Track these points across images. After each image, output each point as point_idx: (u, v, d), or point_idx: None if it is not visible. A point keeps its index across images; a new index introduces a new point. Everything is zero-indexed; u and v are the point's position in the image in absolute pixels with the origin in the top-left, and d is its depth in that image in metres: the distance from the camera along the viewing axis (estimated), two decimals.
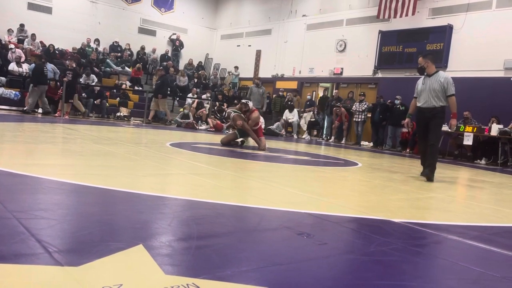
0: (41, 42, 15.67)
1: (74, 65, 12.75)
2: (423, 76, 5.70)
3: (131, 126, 11.53)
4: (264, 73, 18.27)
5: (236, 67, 18.88)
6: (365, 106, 13.52)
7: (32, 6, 16.26)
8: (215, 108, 14.96)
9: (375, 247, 2.14)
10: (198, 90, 17.23)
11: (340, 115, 14.05)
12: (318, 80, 16.43)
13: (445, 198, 4.24)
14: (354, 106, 13.75)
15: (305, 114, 15.62)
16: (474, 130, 10.42)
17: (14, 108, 12.43)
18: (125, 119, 14.12)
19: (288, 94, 16.06)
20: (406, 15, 12.89)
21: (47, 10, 16.60)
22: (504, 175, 7.93)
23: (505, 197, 4.95)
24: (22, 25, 15.56)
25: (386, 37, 13.81)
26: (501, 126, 10.11)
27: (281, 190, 3.65)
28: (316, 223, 2.59)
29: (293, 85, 16.87)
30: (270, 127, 15.08)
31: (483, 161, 10.45)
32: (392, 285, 1.65)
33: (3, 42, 14.37)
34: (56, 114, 12.15)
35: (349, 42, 15.06)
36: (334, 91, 15.57)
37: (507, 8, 11.33)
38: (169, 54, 19.14)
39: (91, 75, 14.30)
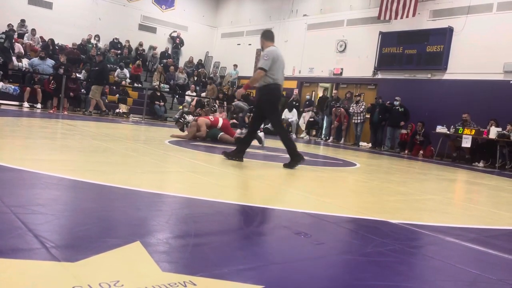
0: (41, 37, 15.64)
1: (66, 60, 12.61)
2: None
3: (130, 123, 11.52)
4: None
5: (235, 65, 18.80)
6: (363, 107, 13.53)
7: (32, 1, 16.23)
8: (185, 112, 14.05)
9: (372, 247, 2.15)
10: (197, 88, 17.22)
11: (339, 116, 14.06)
12: (317, 80, 16.43)
13: (442, 200, 4.24)
14: (351, 108, 13.75)
15: (304, 114, 15.63)
16: (473, 133, 10.43)
17: (13, 103, 12.40)
18: (124, 115, 14.11)
19: (294, 94, 16.06)
20: (407, 16, 12.90)
21: (48, 5, 16.56)
22: (502, 178, 7.94)
23: (502, 200, 4.96)
24: (23, 21, 15.54)
25: (386, 38, 13.82)
26: (499, 129, 10.12)
27: (279, 189, 3.66)
28: (314, 223, 2.60)
29: (293, 84, 16.87)
30: (267, 126, 15.08)
31: (481, 164, 10.47)
32: (388, 286, 1.65)
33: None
34: (51, 111, 11.97)
35: (349, 43, 15.06)
36: (333, 92, 15.58)
37: (507, 11, 11.34)
38: (169, 52, 19.12)
39: None
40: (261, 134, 8.71)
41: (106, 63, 13.50)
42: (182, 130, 8.55)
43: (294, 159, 5.13)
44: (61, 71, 12.05)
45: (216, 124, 8.04)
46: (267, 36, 5.33)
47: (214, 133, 7.99)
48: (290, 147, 5.16)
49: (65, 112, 12.00)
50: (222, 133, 8.00)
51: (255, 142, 8.44)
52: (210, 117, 8.42)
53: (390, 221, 2.80)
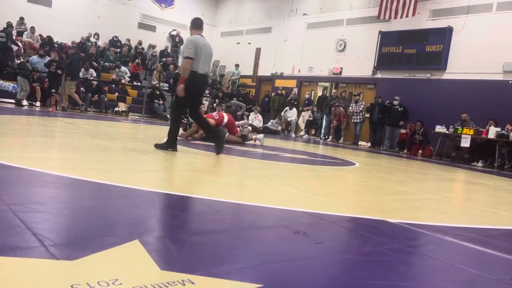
0: (40, 35, 15.61)
1: (57, 57, 12.47)
2: None
3: (129, 122, 11.51)
4: (264, 71, 18.26)
5: (237, 65, 18.76)
6: (362, 106, 13.54)
7: None
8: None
9: (371, 247, 2.15)
10: None
11: (338, 115, 14.07)
12: (317, 79, 16.43)
13: (441, 200, 4.25)
14: (351, 107, 13.77)
15: (303, 113, 15.65)
16: (472, 132, 10.44)
17: (12, 100, 12.38)
18: (123, 114, 14.10)
19: (292, 93, 16.08)
20: (407, 16, 12.90)
21: (47, 3, 16.53)
22: (501, 177, 7.95)
23: (501, 200, 4.96)
24: (22, 18, 15.51)
25: (386, 38, 13.82)
26: (498, 129, 10.13)
27: (278, 188, 3.65)
28: (313, 222, 2.60)
29: (292, 83, 16.88)
30: (266, 125, 15.11)
31: (480, 164, 10.48)
32: (387, 285, 1.65)
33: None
34: (50, 109, 11.90)
35: (349, 42, 15.06)
36: (332, 91, 15.58)
37: (507, 11, 11.35)
38: (169, 50, 19.09)
39: (90, 69, 14.25)
40: (260, 135, 8.69)
41: (77, 57, 12.90)
42: (185, 130, 8.54)
43: (169, 144, 5.30)
44: (53, 68, 11.92)
45: (221, 122, 7.86)
46: (194, 24, 5.47)
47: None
48: (173, 133, 5.36)
49: (59, 108, 11.89)
50: (228, 134, 7.90)
51: (256, 142, 8.44)
52: (214, 114, 8.13)
53: (389, 221, 2.80)
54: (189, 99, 5.28)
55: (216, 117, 7.92)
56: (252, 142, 8.42)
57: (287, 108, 15.58)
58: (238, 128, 8.47)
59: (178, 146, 6.31)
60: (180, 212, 2.48)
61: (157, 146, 5.37)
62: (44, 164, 3.42)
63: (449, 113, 11.60)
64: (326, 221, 2.65)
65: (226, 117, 7.98)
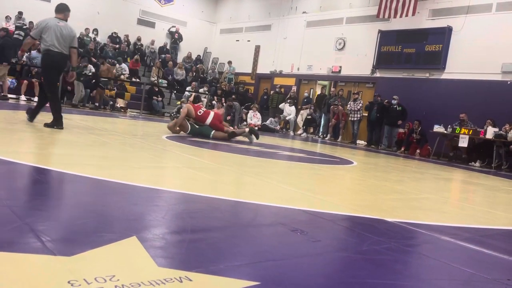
0: None
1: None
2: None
3: (127, 118, 11.49)
4: (263, 69, 18.24)
5: (230, 62, 18.67)
6: (360, 105, 13.54)
7: None
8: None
9: (368, 245, 2.15)
10: (196, 84, 17.22)
11: (337, 114, 14.07)
12: (316, 78, 16.43)
13: (439, 199, 4.26)
14: (349, 106, 13.79)
15: (302, 111, 15.66)
16: (470, 132, 10.46)
17: (10, 96, 12.33)
18: (122, 110, 14.07)
19: (291, 92, 16.06)
20: (406, 15, 12.90)
21: None
22: (498, 178, 7.97)
23: (498, 200, 4.98)
24: (20, 13, 15.44)
25: (385, 37, 13.81)
26: (496, 129, 10.15)
27: (276, 186, 3.66)
28: (310, 220, 2.60)
29: (291, 81, 16.87)
30: (264, 123, 15.10)
31: (477, 164, 10.50)
32: (384, 284, 1.66)
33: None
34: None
35: (348, 41, 15.06)
36: (331, 89, 15.57)
37: (506, 12, 11.36)
38: (168, 47, 19.05)
39: (89, 65, 14.21)
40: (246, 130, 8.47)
41: (9, 38, 12.02)
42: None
43: (55, 122, 5.74)
44: None
45: (203, 120, 7.68)
46: (55, 8, 6.07)
47: (204, 131, 7.71)
48: (56, 110, 5.81)
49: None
50: (214, 131, 7.71)
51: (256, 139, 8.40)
52: (201, 109, 7.80)
53: (386, 220, 2.81)
54: (52, 74, 5.96)
55: (200, 114, 7.69)
56: (242, 138, 8.23)
57: (288, 102, 15.53)
58: (224, 126, 8.18)
59: (176, 143, 6.31)
60: (178, 209, 2.48)
61: (46, 125, 5.75)
62: (41, 159, 3.42)
63: (447, 113, 11.62)
64: (324, 219, 2.66)
65: (210, 118, 7.71)
